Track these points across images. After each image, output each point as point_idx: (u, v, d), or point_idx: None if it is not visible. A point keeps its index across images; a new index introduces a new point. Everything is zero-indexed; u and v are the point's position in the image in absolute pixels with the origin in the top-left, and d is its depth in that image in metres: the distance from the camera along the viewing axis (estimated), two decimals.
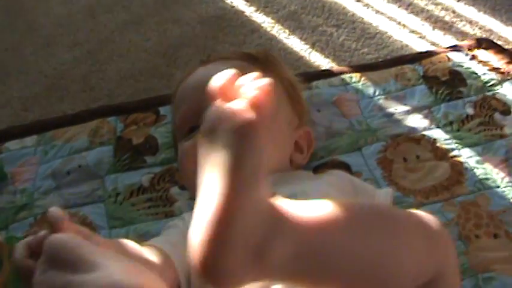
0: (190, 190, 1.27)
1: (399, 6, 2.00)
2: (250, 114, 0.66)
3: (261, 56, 1.33)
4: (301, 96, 1.36)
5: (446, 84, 1.55)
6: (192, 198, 1.33)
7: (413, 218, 0.78)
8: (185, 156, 1.20)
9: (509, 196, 1.28)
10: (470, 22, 1.91)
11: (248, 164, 0.65)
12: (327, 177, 1.21)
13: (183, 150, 1.21)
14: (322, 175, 1.23)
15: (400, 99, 1.52)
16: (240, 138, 0.65)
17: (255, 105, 0.67)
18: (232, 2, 2.08)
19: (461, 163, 1.36)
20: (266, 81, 0.71)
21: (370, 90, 1.55)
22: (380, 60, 1.75)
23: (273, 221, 0.64)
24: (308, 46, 1.85)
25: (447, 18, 1.94)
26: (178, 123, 1.25)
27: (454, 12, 1.96)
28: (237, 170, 0.64)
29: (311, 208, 0.69)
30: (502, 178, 1.32)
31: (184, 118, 1.23)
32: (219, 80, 0.71)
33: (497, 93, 1.53)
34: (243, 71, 1.21)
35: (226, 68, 1.22)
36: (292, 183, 1.12)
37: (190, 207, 1.27)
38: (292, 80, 1.34)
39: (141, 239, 1.24)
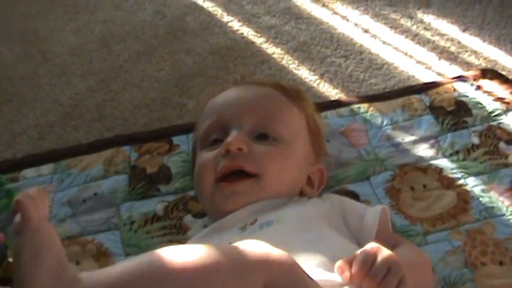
0: (204, 202, 1.29)
1: (406, 37, 2.04)
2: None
3: (292, 90, 1.36)
4: (322, 135, 1.39)
5: (452, 114, 1.58)
6: (203, 214, 1.37)
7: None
8: (204, 167, 1.22)
9: None
10: (475, 52, 1.94)
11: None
12: (314, 201, 1.23)
13: (202, 161, 1.24)
14: (312, 199, 1.24)
15: (407, 129, 1.55)
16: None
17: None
18: (242, 33, 2.12)
19: (467, 192, 1.38)
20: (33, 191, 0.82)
21: (378, 121, 1.58)
22: (387, 90, 1.78)
23: None
24: (317, 77, 1.88)
25: (452, 48, 1.97)
26: (202, 133, 1.28)
27: (459, 42, 1.99)
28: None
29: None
30: (507, 206, 1.34)
31: (210, 130, 1.26)
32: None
33: (502, 122, 1.55)
34: (273, 99, 1.27)
35: (258, 92, 1.29)
36: (277, 209, 1.15)
37: None
38: (316, 119, 1.37)
39: None
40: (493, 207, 1.34)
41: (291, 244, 1.02)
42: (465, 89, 1.67)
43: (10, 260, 1.21)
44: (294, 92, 1.35)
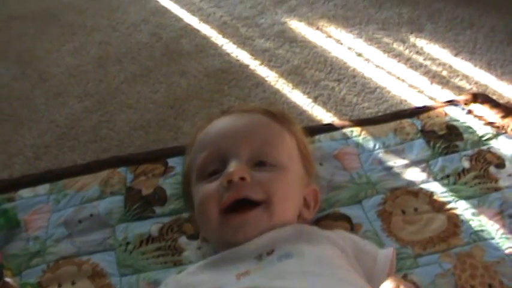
0: (209, 234, 1.28)
1: (398, 61, 2.06)
2: None
3: (280, 114, 1.37)
4: (311, 156, 1.40)
5: (443, 138, 1.59)
6: (197, 236, 1.38)
7: None
8: (207, 199, 1.21)
9: (504, 247, 1.31)
10: (467, 77, 1.96)
11: None
12: (328, 236, 1.22)
13: (204, 193, 1.22)
14: (325, 233, 1.24)
15: (399, 153, 1.57)
16: None
17: None
18: (237, 56, 2.14)
19: (457, 215, 1.39)
20: None
21: (370, 144, 1.60)
22: (380, 114, 1.79)
23: None
24: (310, 100, 1.90)
25: (444, 73, 1.99)
26: (199, 166, 1.26)
27: (451, 67, 2.02)
28: None
29: None
30: (497, 230, 1.35)
31: (206, 162, 1.25)
32: None
33: (492, 147, 1.57)
34: (265, 126, 1.29)
35: (250, 120, 1.30)
36: (293, 242, 1.15)
37: (198, 257, 1.33)
38: (305, 141, 1.39)
39: (150, 286, 1.29)
40: (482, 231, 1.35)
41: (312, 278, 1.05)
42: (456, 113, 1.69)
43: (7, 279, 1.23)
44: (282, 117, 1.36)
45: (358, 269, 1.17)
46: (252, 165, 1.22)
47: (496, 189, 1.46)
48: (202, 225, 1.28)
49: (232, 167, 1.18)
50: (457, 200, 1.43)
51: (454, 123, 1.65)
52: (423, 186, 1.48)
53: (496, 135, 1.60)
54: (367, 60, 2.09)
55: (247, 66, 2.09)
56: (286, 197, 1.22)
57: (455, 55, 2.08)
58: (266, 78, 2.02)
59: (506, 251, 1.30)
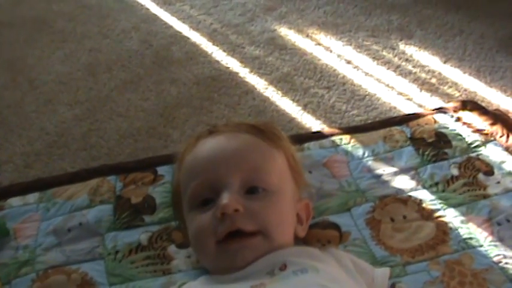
0: (206, 262, 1.26)
1: (388, 69, 2.07)
2: None
3: (267, 129, 1.35)
4: (301, 167, 1.39)
5: (432, 146, 1.60)
6: (186, 245, 1.37)
7: None
8: (203, 232, 1.19)
9: (492, 255, 1.31)
10: (456, 84, 1.98)
11: None
12: (333, 254, 1.24)
13: (198, 226, 1.21)
14: (328, 251, 1.26)
15: (388, 161, 1.57)
16: None
17: None
18: (227, 63, 2.15)
19: (446, 223, 1.39)
20: None
21: (360, 152, 1.60)
22: (369, 122, 1.80)
23: None
24: (300, 108, 1.91)
25: (433, 80, 2.00)
26: (190, 194, 1.24)
27: (440, 74, 2.03)
28: None
29: None
30: (485, 237, 1.36)
31: (198, 190, 1.23)
32: None
33: (481, 154, 1.57)
34: (255, 148, 1.28)
35: (239, 143, 1.29)
36: (305, 258, 1.16)
37: (187, 265, 1.33)
38: (293, 153, 1.37)
39: None
40: (471, 239, 1.36)
41: None
42: (445, 121, 1.70)
43: None
44: (271, 133, 1.34)
45: (362, 283, 1.18)
46: (244, 193, 1.20)
47: (485, 197, 1.46)
48: (199, 254, 1.28)
49: (225, 198, 1.16)
50: (446, 208, 1.44)
51: (443, 130, 1.66)
52: (412, 194, 1.48)
53: (484, 143, 1.61)
54: (357, 67, 2.10)
55: (237, 73, 2.10)
56: (281, 222, 1.22)
57: (445, 62, 2.09)
58: (256, 86, 2.03)
59: (495, 259, 1.31)
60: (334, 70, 2.08)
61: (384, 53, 2.15)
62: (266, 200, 1.21)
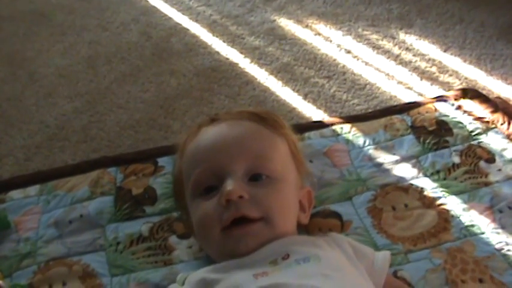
0: (210, 249, 1.26)
1: (388, 58, 2.07)
2: None
3: (269, 117, 1.35)
4: (302, 155, 1.39)
5: (433, 134, 1.60)
6: (188, 235, 1.38)
7: None
8: (208, 219, 1.19)
9: (494, 242, 1.32)
10: (456, 72, 1.97)
11: None
12: (335, 239, 1.24)
13: (203, 213, 1.21)
14: (332, 237, 1.26)
15: (389, 149, 1.57)
16: None
17: None
18: (227, 54, 2.14)
19: (447, 211, 1.40)
20: None
21: (360, 141, 1.60)
22: (370, 111, 1.80)
23: None
24: (301, 97, 1.90)
25: (434, 68, 2.00)
26: (193, 182, 1.24)
27: (440, 62, 2.02)
28: None
29: None
30: (487, 225, 1.36)
31: (201, 178, 1.23)
32: None
33: (482, 142, 1.58)
34: (257, 136, 1.28)
35: (241, 131, 1.29)
36: (307, 248, 1.16)
37: (188, 255, 1.33)
38: (295, 141, 1.37)
39: (141, 286, 1.29)
40: (473, 226, 1.36)
41: (333, 281, 1.05)
42: (446, 109, 1.70)
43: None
44: (272, 121, 1.34)
45: (362, 269, 1.17)
46: (247, 180, 1.20)
47: (486, 184, 1.46)
48: (204, 241, 1.28)
49: (230, 185, 1.17)
50: (448, 196, 1.44)
51: (444, 118, 1.66)
52: (413, 182, 1.48)
53: (485, 130, 1.61)
54: (357, 57, 2.09)
55: (237, 64, 2.09)
56: (284, 209, 1.22)
57: (445, 51, 2.08)
58: (256, 76, 2.02)
59: (497, 246, 1.31)
60: (334, 60, 2.07)
61: (384, 42, 2.15)
62: (270, 187, 1.21)
